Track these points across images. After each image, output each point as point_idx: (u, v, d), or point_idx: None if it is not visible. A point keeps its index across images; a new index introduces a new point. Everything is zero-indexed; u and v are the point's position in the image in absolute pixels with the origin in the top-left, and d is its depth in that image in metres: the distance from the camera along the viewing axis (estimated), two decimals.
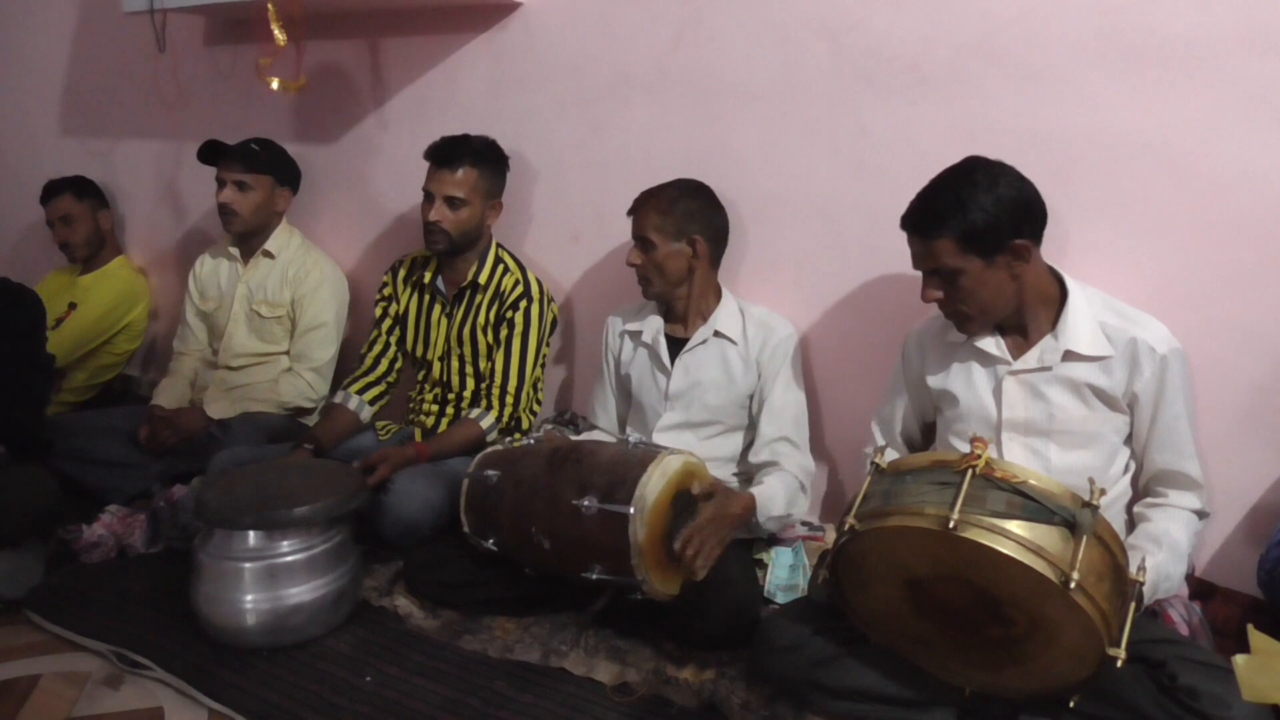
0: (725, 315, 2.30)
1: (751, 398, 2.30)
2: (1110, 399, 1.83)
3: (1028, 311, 1.85)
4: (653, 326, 2.36)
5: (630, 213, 2.28)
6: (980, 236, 1.74)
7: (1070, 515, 1.41)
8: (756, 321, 2.31)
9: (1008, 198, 1.75)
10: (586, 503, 1.88)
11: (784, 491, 2.14)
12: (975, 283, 1.78)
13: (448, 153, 2.48)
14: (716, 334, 2.29)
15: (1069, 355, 1.82)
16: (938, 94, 2.16)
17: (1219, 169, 1.91)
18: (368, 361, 2.71)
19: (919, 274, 2.21)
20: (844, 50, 2.25)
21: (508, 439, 2.55)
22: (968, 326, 1.86)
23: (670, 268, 2.25)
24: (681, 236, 2.23)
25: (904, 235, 2.22)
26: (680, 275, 2.26)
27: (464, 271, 2.58)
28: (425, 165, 2.52)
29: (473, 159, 2.49)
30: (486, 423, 2.51)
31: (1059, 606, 1.41)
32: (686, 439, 2.29)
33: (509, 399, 2.53)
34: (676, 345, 2.33)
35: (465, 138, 2.53)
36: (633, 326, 2.41)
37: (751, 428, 2.31)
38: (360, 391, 2.66)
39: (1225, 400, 1.96)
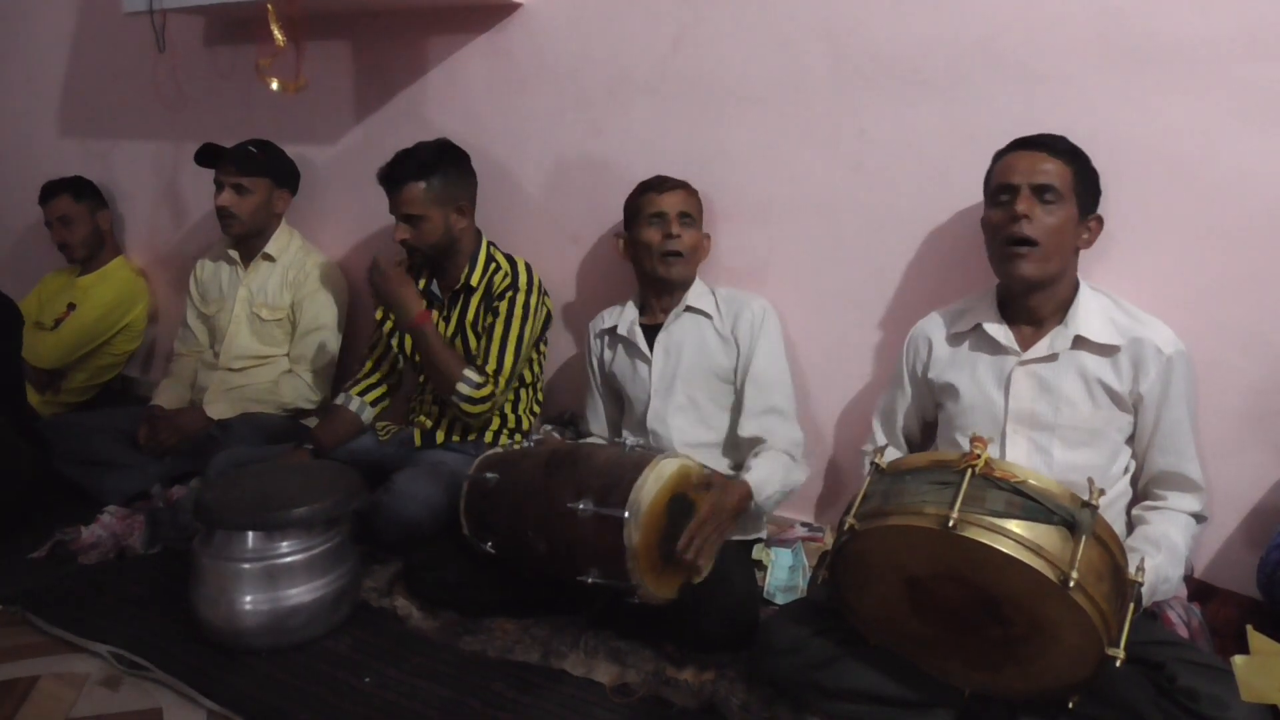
0: (695, 293, 2.34)
1: (736, 373, 2.30)
2: (1117, 397, 1.84)
3: (1055, 301, 1.88)
4: (628, 318, 2.39)
5: (662, 190, 2.29)
6: (1088, 182, 1.86)
7: (1069, 515, 1.42)
8: (726, 298, 2.34)
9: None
10: (582, 506, 1.88)
11: (777, 469, 2.14)
12: (1064, 223, 1.82)
13: (390, 175, 2.44)
14: (689, 309, 2.32)
15: (1079, 342, 1.84)
16: (938, 96, 2.16)
17: (1219, 172, 1.91)
18: (369, 364, 2.70)
19: (922, 266, 2.23)
20: (844, 52, 2.25)
21: (509, 441, 2.55)
22: (1028, 265, 1.82)
23: (700, 252, 2.35)
24: (702, 225, 2.34)
25: (903, 236, 2.25)
26: (698, 261, 2.35)
27: (456, 275, 2.57)
28: None
29: (416, 173, 2.42)
30: (471, 376, 2.42)
31: (1058, 606, 1.41)
32: (678, 424, 2.29)
33: (490, 379, 2.48)
34: (651, 332, 2.36)
35: (409, 153, 2.47)
36: (608, 324, 2.42)
37: (739, 407, 2.31)
38: (362, 393, 2.66)
39: (1225, 402, 1.96)
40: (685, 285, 2.34)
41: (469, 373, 2.43)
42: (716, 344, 2.30)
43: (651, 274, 2.31)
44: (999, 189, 1.87)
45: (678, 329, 2.33)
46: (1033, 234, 1.80)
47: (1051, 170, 1.82)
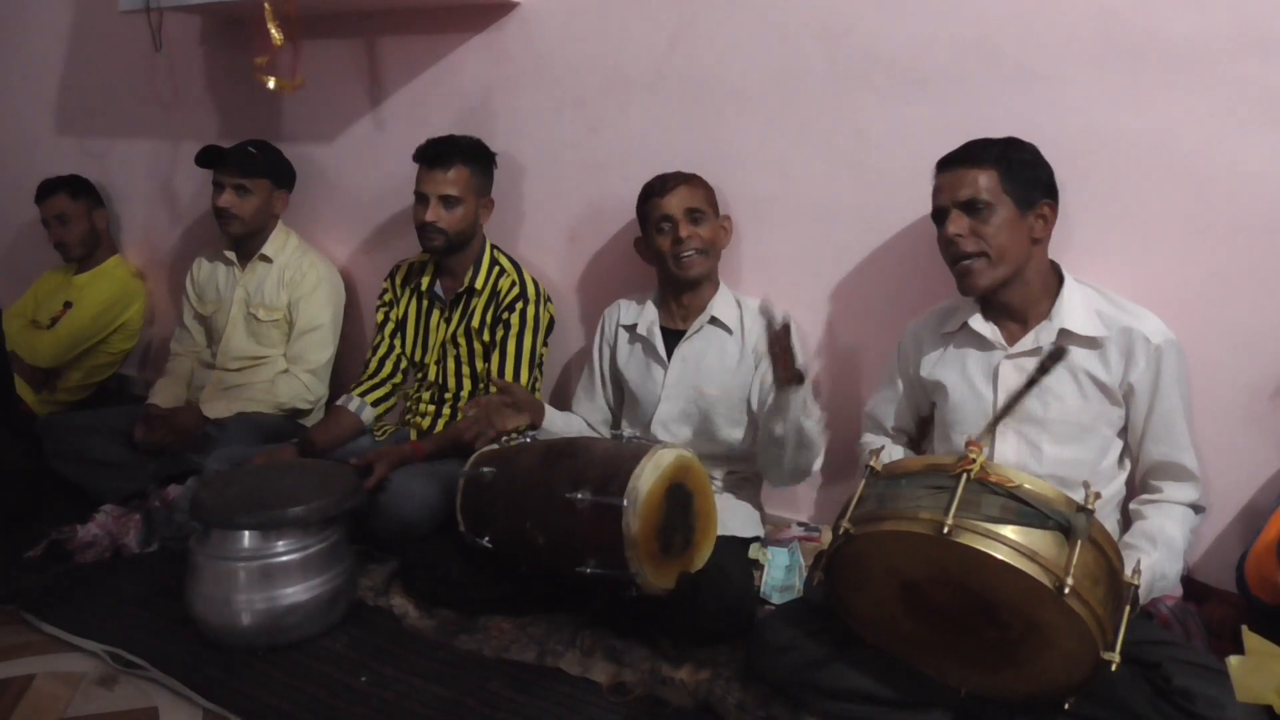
0: (722, 303, 2.31)
1: (751, 391, 2.29)
2: (1107, 390, 1.84)
3: (1030, 295, 1.89)
4: (647, 318, 2.37)
5: (664, 192, 2.25)
6: (1020, 177, 1.83)
7: (1064, 519, 1.42)
8: (752, 312, 2.31)
9: (1043, 161, 1.88)
10: (580, 495, 1.88)
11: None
12: (1004, 225, 1.82)
13: (439, 152, 2.49)
14: (713, 320, 2.30)
15: (1064, 335, 1.85)
16: (935, 95, 2.16)
17: (1215, 170, 1.92)
18: (372, 366, 2.70)
19: (917, 265, 2.23)
20: (841, 51, 2.25)
21: (504, 438, 2.55)
22: (978, 277, 1.84)
23: (720, 241, 2.31)
24: (718, 212, 2.31)
25: (899, 235, 2.25)
26: (719, 250, 2.31)
27: (460, 276, 2.59)
28: None
29: (463, 157, 2.50)
30: None
31: (1053, 611, 1.41)
32: (684, 432, 2.29)
33: None
34: (670, 336, 2.34)
35: (453, 137, 2.53)
36: (627, 320, 2.41)
37: (752, 424, 2.30)
38: (364, 394, 2.66)
39: (1219, 401, 1.97)
40: (707, 280, 2.31)
41: None
42: (736, 361, 2.28)
43: (671, 277, 2.29)
44: (934, 212, 1.91)
45: (699, 340, 2.31)
46: (972, 249, 1.83)
47: (973, 181, 1.83)
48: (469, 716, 1.80)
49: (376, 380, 2.69)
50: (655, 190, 2.27)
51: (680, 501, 1.95)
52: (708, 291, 2.33)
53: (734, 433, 2.31)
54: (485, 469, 2.09)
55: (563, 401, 2.83)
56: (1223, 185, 1.92)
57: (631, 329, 2.40)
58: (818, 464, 2.13)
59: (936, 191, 1.90)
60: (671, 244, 2.23)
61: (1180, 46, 1.91)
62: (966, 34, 2.10)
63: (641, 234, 2.35)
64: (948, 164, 1.89)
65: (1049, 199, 1.87)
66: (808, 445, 2.05)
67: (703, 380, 2.29)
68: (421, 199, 2.49)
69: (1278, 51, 1.83)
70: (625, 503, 1.85)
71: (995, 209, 1.82)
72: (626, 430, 2.06)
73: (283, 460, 2.39)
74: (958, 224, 1.83)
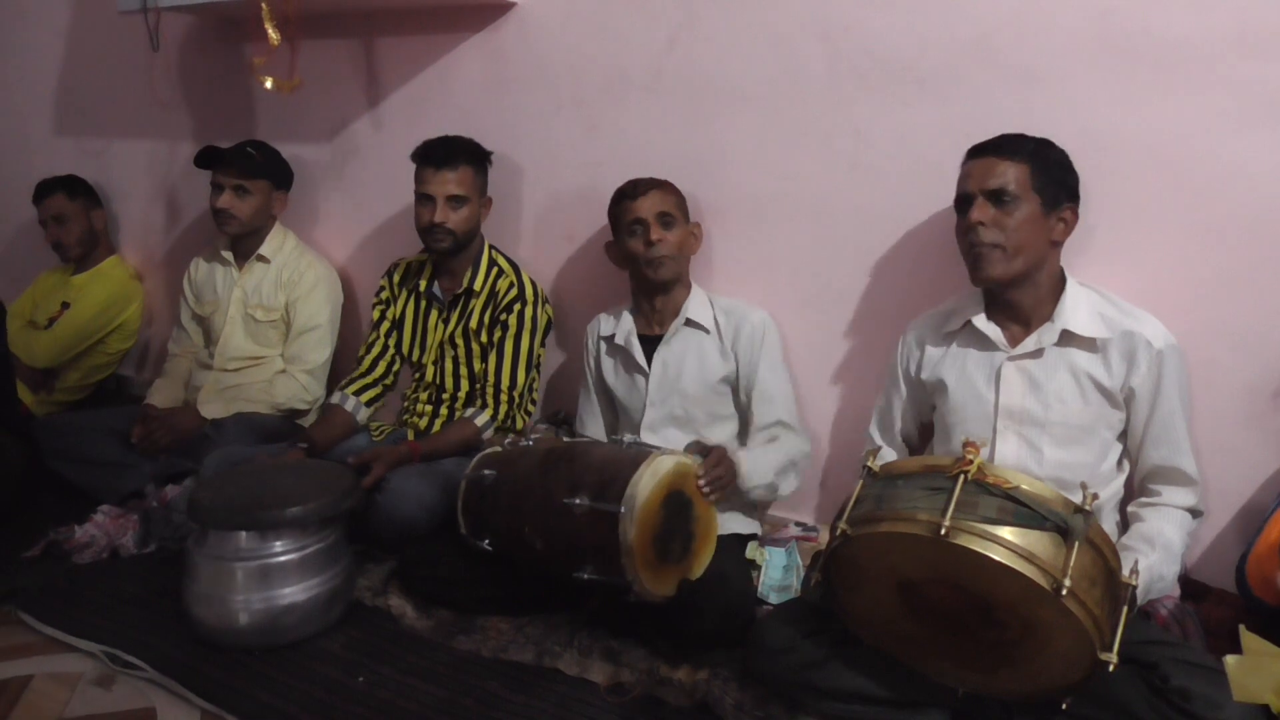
0: (695, 305, 2.33)
1: (734, 387, 2.30)
2: (1108, 393, 1.84)
3: (1039, 297, 1.88)
4: (624, 328, 2.38)
5: (635, 196, 2.27)
6: (1050, 176, 1.83)
7: (1062, 521, 1.42)
8: (725, 310, 2.33)
9: (1072, 167, 1.88)
10: (578, 500, 1.88)
11: (771, 461, 2.15)
12: (1026, 220, 1.81)
13: (445, 153, 2.49)
14: (688, 322, 2.31)
15: (1065, 337, 1.85)
16: (933, 95, 2.16)
17: (1213, 170, 1.92)
18: (365, 364, 2.70)
19: (916, 266, 2.22)
20: (839, 51, 2.25)
21: (507, 440, 2.56)
22: (992, 265, 1.83)
23: (689, 247, 2.32)
24: (689, 218, 2.33)
25: (898, 235, 2.25)
26: (688, 255, 2.35)
27: (459, 277, 2.59)
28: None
29: (466, 157, 2.51)
30: (482, 421, 2.50)
31: (1051, 612, 1.41)
32: (672, 435, 2.29)
33: (504, 397, 2.53)
34: (648, 342, 2.35)
35: (454, 137, 2.54)
36: (607, 332, 2.42)
37: (740, 419, 2.32)
38: (357, 393, 2.66)
39: (1218, 401, 1.97)
40: (678, 283, 2.33)
41: (478, 420, 2.51)
42: (715, 360, 2.29)
43: (642, 279, 2.31)
44: (958, 198, 1.90)
45: (678, 343, 2.32)
46: (991, 239, 1.82)
47: (1004, 173, 1.82)
48: (466, 716, 1.80)
49: (369, 380, 2.69)
50: (627, 194, 2.28)
51: (679, 509, 1.94)
52: (680, 294, 2.34)
53: (721, 431, 2.32)
54: (487, 471, 2.09)
55: (561, 400, 2.83)
56: (1221, 185, 1.91)
57: (610, 340, 2.41)
58: (785, 493, 2.23)
59: (963, 178, 1.89)
60: (644, 247, 2.25)
61: (1178, 46, 1.91)
62: (966, 34, 2.10)
63: (613, 238, 2.36)
64: (979, 152, 1.88)
65: (1072, 203, 1.87)
66: (765, 495, 2.19)
67: (684, 382, 2.29)
68: (426, 200, 2.48)
69: (1278, 51, 1.83)
70: (622, 510, 1.84)
71: (1021, 203, 1.81)
72: (626, 436, 2.06)
73: (281, 460, 2.39)
74: (982, 212, 1.82)
